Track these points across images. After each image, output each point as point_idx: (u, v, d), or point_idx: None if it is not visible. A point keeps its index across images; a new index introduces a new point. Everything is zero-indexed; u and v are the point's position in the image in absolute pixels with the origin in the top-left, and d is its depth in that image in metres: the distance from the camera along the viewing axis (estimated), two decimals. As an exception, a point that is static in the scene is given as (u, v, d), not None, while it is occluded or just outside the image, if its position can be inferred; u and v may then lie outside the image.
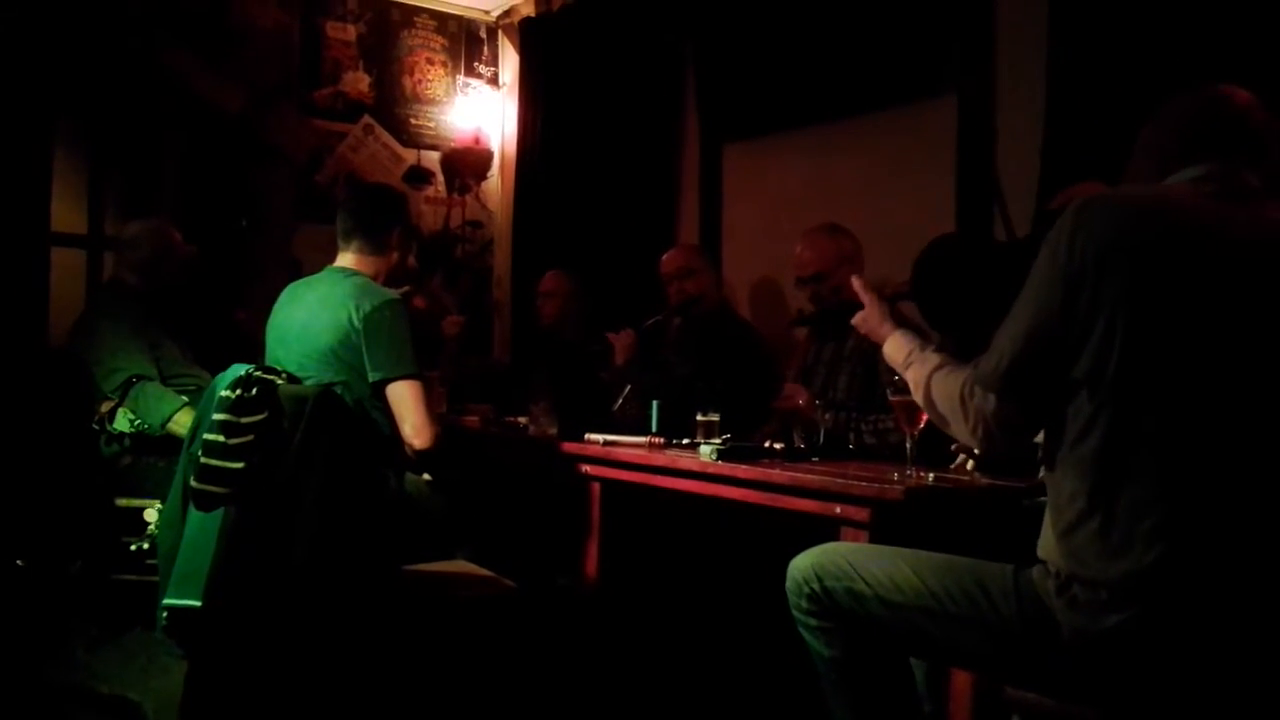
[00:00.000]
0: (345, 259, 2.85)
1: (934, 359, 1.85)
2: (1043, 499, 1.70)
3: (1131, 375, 1.51)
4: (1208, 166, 1.63)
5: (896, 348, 1.98)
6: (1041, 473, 2.26)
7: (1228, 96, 1.69)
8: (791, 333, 3.77)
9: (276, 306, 2.88)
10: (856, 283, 2.18)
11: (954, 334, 2.36)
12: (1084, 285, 1.53)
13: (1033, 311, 1.60)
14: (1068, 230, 1.57)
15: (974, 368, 1.70)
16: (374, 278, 2.81)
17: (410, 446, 2.63)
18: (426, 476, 2.84)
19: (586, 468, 2.91)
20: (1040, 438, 2.16)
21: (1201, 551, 1.48)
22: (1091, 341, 1.53)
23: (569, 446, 2.97)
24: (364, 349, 2.62)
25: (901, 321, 2.09)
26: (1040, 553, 1.65)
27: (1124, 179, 1.80)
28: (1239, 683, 1.49)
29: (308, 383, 2.61)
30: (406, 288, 3.03)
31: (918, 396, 1.85)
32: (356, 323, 2.63)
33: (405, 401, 2.63)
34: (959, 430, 1.75)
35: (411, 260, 3.01)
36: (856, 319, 2.15)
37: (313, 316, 2.72)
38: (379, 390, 2.64)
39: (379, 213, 2.88)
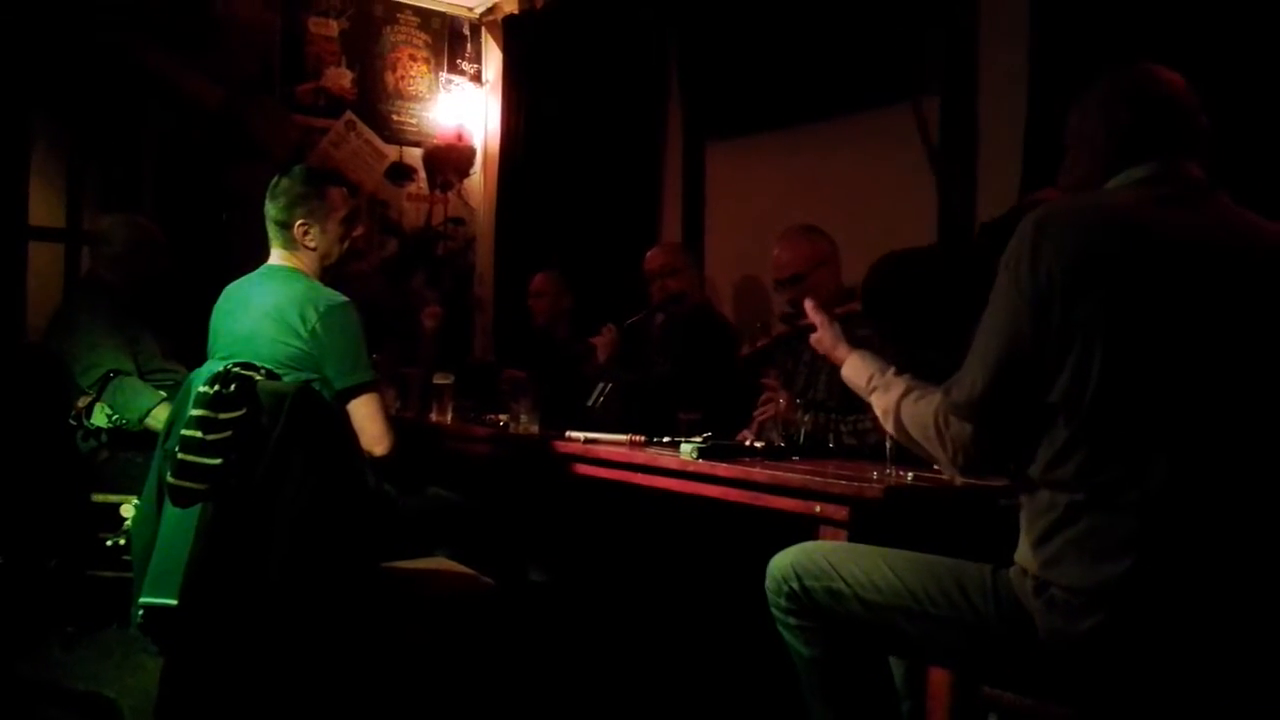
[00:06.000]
0: (273, 254, 2.73)
1: (899, 385, 1.81)
2: (1019, 500, 1.70)
3: (1110, 398, 1.49)
4: (1153, 166, 1.61)
5: (856, 371, 1.96)
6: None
7: (1158, 82, 1.65)
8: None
9: (216, 311, 2.73)
10: (809, 305, 2.16)
11: (909, 350, 2.35)
12: (1052, 306, 1.51)
13: (1001, 338, 1.57)
14: (1028, 249, 1.54)
15: (945, 394, 1.66)
16: (311, 274, 2.69)
17: (370, 454, 2.60)
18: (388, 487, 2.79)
19: (566, 465, 2.90)
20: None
21: (1177, 561, 1.48)
22: (1067, 365, 1.51)
23: (549, 444, 2.96)
24: (320, 359, 2.56)
25: (857, 341, 2.06)
26: (1017, 559, 1.65)
27: (1062, 175, 1.77)
28: (1210, 685, 1.50)
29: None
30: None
31: (887, 425, 1.82)
32: (304, 333, 2.54)
33: (360, 411, 2.57)
34: (937, 457, 1.71)
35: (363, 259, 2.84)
36: (813, 340, 2.14)
37: (259, 325, 2.59)
38: (340, 399, 2.60)
39: (277, 204, 2.69)
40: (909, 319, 2.48)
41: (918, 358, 1.92)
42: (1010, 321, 1.56)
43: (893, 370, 1.87)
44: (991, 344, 1.59)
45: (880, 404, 1.84)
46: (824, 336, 2.10)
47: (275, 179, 2.73)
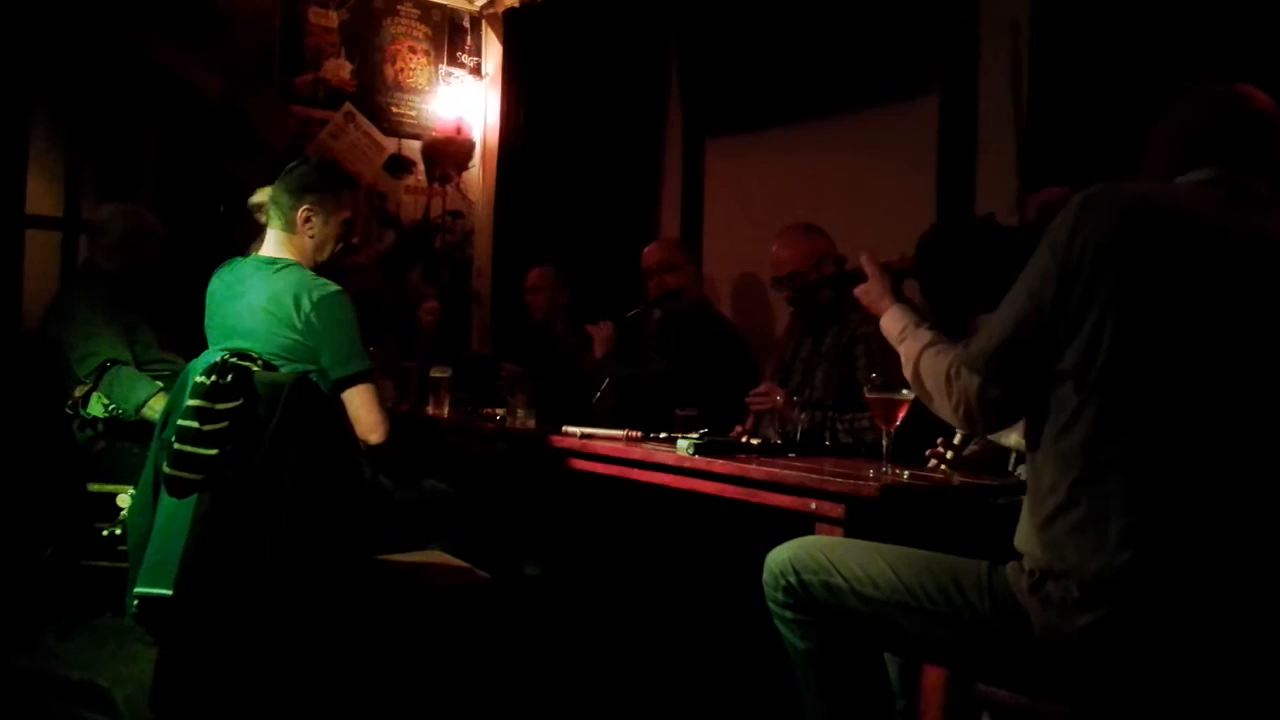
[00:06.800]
0: (269, 235, 2.75)
1: (927, 335, 1.86)
2: (1017, 498, 1.71)
3: (1118, 371, 1.52)
4: (1215, 170, 1.64)
5: (893, 321, 2.00)
6: (1015, 469, 2.29)
7: (1242, 98, 1.68)
8: (772, 329, 3.78)
9: (212, 294, 2.75)
10: (864, 256, 2.19)
11: (951, 311, 2.38)
12: (1078, 278, 1.54)
13: (1025, 299, 1.61)
14: (1069, 223, 1.58)
15: (964, 348, 1.71)
16: (304, 263, 2.71)
17: (365, 443, 2.61)
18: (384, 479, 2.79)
19: (562, 460, 2.90)
20: (1014, 440, 2.19)
21: (1176, 554, 1.49)
22: (1080, 334, 1.54)
23: (546, 439, 2.96)
24: (316, 349, 2.57)
25: (902, 298, 2.09)
26: (1017, 544, 1.66)
27: (1137, 178, 1.80)
28: (1207, 683, 1.50)
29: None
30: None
31: (907, 371, 1.87)
32: (299, 324, 2.56)
33: (356, 399, 2.59)
34: (942, 408, 1.76)
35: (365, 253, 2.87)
36: (859, 290, 2.16)
37: (255, 317, 2.61)
38: (336, 388, 2.61)
39: (295, 188, 2.72)
40: (957, 281, 2.51)
41: (951, 319, 1.95)
42: (1038, 284, 1.59)
43: (927, 324, 1.92)
44: (1015, 304, 1.63)
45: (906, 351, 1.89)
46: (873, 287, 2.12)
47: (294, 163, 2.77)
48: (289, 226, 2.72)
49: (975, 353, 1.68)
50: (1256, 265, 1.55)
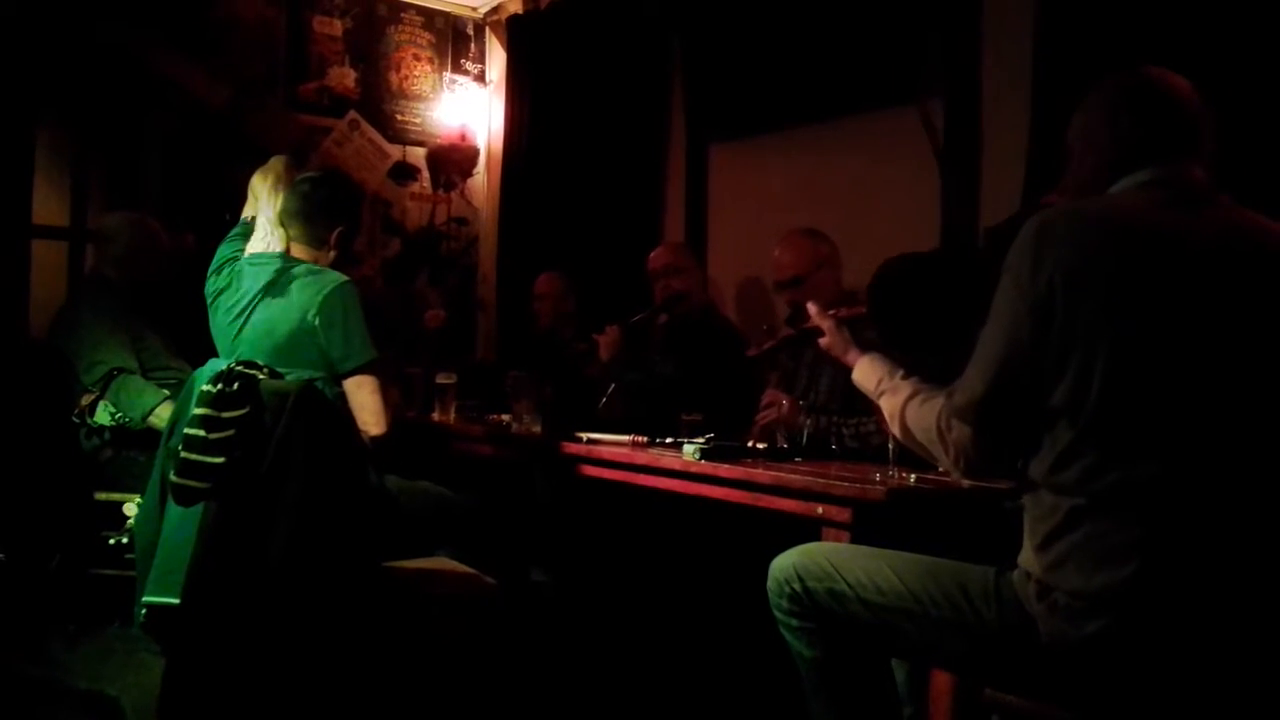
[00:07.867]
0: (293, 250, 2.79)
1: (905, 388, 1.81)
2: (1024, 502, 1.70)
3: (1114, 402, 1.50)
4: (1155, 171, 1.62)
5: (865, 375, 1.95)
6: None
7: (1162, 86, 1.65)
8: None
9: (217, 310, 2.79)
10: (813, 309, 2.15)
11: (915, 354, 2.36)
12: (1053, 312, 1.51)
13: (1002, 342, 1.57)
14: (1030, 257, 1.54)
15: (948, 398, 1.67)
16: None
17: (367, 433, 2.63)
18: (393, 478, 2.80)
19: (568, 465, 2.90)
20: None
21: (1179, 564, 1.48)
22: (1068, 372, 1.51)
23: (551, 444, 2.96)
24: (323, 340, 2.62)
25: (866, 345, 2.06)
26: (1021, 562, 1.65)
27: (1065, 182, 1.78)
28: (1215, 690, 1.50)
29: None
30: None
31: (894, 428, 1.82)
32: (311, 316, 2.61)
33: (359, 390, 2.64)
34: (940, 459, 1.72)
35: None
36: (824, 344, 2.14)
37: (266, 314, 2.67)
38: (340, 379, 2.64)
39: (329, 207, 2.79)
40: (913, 323, 2.47)
41: (919, 362, 1.92)
42: (1011, 326, 1.56)
43: (901, 373, 1.87)
44: (992, 348, 1.59)
45: (887, 407, 1.84)
46: (833, 342, 2.09)
47: (317, 178, 2.82)
48: (319, 244, 2.78)
49: (962, 404, 1.63)
50: (1226, 265, 1.53)
